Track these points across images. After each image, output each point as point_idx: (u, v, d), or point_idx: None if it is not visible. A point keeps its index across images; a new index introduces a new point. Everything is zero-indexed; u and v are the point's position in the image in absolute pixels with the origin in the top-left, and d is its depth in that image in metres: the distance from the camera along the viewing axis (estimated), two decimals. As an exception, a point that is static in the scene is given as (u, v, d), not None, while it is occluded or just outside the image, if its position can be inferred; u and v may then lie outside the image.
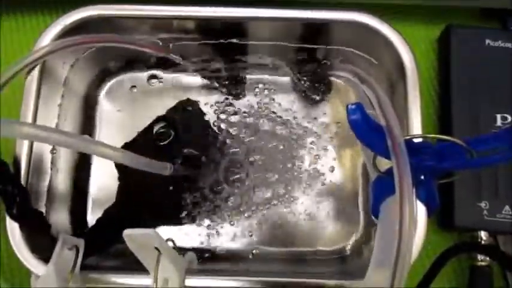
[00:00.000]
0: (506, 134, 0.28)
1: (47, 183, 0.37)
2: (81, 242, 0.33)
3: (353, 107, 0.26)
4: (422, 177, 0.30)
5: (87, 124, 0.42)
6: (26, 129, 0.29)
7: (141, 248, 0.28)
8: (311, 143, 0.43)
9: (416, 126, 0.35)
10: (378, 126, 0.27)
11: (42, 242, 0.32)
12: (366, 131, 0.27)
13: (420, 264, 0.40)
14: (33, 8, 0.45)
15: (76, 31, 0.37)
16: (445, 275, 0.40)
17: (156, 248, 0.29)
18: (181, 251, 0.35)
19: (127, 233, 0.26)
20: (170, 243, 0.40)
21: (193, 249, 0.39)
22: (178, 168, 0.39)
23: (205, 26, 0.39)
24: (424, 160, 0.29)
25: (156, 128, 0.42)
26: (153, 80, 0.44)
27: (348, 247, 0.40)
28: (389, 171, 0.26)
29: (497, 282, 0.38)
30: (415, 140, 0.30)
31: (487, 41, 0.42)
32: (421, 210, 0.33)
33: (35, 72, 0.36)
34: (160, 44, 0.40)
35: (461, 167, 0.31)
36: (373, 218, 0.35)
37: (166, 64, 0.43)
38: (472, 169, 0.37)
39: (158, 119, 0.42)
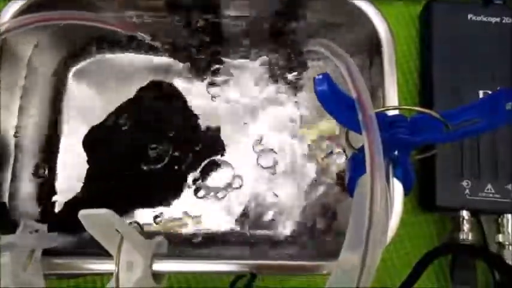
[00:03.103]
0: (481, 104, 0.27)
1: (10, 167, 0.36)
2: (43, 228, 0.32)
3: (320, 77, 0.25)
4: (396, 152, 0.29)
5: (55, 106, 0.41)
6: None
7: (100, 230, 0.27)
8: (287, 120, 0.42)
9: (392, 101, 0.33)
10: (349, 100, 0.26)
11: (2, 227, 0.30)
12: (334, 102, 0.25)
13: (401, 245, 0.39)
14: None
15: (38, 9, 0.35)
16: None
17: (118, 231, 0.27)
18: (151, 234, 0.33)
19: (82, 213, 0.25)
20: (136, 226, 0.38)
21: (165, 233, 0.38)
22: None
23: (175, 2, 0.38)
24: (398, 133, 0.28)
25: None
26: (125, 61, 0.42)
27: (326, 227, 0.39)
28: (363, 148, 0.25)
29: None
30: (390, 114, 0.29)
31: (469, 16, 0.41)
32: (398, 188, 0.32)
33: (-6, 53, 0.35)
34: (128, 21, 0.39)
35: (436, 140, 0.30)
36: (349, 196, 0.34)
37: (136, 44, 0.41)
38: (447, 141, 0.36)
39: (129, 101, 0.41)
